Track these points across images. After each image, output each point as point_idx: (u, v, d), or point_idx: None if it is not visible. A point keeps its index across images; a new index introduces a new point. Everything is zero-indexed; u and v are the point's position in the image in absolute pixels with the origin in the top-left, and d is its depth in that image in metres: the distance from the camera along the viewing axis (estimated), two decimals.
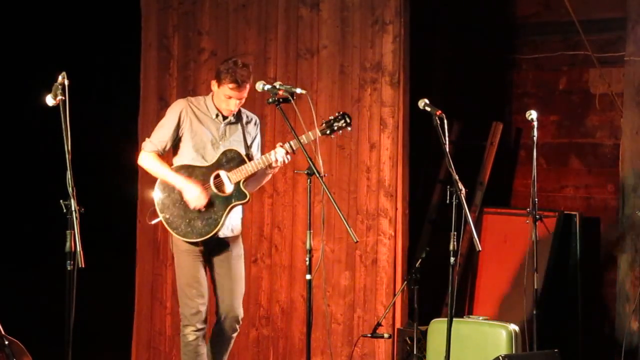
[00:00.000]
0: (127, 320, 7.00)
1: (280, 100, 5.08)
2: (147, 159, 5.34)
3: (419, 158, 6.83)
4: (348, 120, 5.26)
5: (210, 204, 5.22)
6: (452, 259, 4.96)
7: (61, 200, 4.13)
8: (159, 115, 6.91)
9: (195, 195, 5.19)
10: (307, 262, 4.87)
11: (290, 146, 5.19)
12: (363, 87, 6.34)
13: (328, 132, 5.24)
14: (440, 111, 4.99)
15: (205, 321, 5.34)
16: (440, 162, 7.06)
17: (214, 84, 5.30)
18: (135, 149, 7.01)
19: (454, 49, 7.36)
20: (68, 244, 4.11)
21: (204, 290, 5.32)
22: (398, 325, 6.27)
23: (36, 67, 6.06)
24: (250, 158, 5.31)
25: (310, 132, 5.19)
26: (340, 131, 5.27)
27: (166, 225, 5.26)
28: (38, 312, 6.49)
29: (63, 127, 4.15)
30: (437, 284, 6.08)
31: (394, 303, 6.20)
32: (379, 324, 5.85)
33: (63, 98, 4.18)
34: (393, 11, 6.24)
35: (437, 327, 5.67)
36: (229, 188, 5.24)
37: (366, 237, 6.32)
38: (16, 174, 6.76)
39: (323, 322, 6.14)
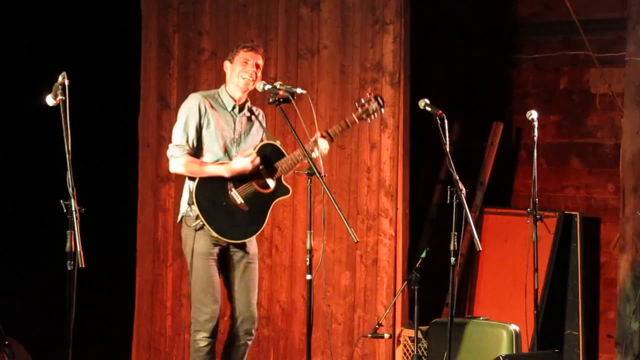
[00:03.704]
0: (127, 320, 6.99)
1: (281, 100, 5.07)
2: (183, 163, 5.11)
3: (419, 158, 6.83)
4: (381, 102, 5.23)
5: (253, 203, 5.13)
6: (452, 259, 4.96)
7: (61, 200, 4.13)
8: (159, 115, 6.93)
9: (246, 162, 5.07)
10: (308, 262, 4.86)
11: (329, 134, 5.19)
12: (363, 87, 6.33)
13: (364, 116, 5.23)
14: (440, 111, 4.99)
15: (217, 329, 5.19)
16: (440, 162, 7.05)
17: (227, 65, 5.24)
18: (135, 149, 7.05)
19: (454, 49, 7.35)
20: (68, 244, 4.10)
21: (219, 295, 5.18)
22: (398, 325, 6.27)
23: (36, 67, 6.05)
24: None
25: (346, 119, 5.20)
26: (376, 115, 5.27)
27: (209, 229, 5.07)
28: (38, 312, 6.49)
29: (63, 127, 4.14)
30: (437, 284, 6.08)
31: (395, 303, 6.19)
32: (379, 324, 5.85)
33: (63, 98, 4.18)
34: (393, 11, 6.24)
35: (437, 327, 5.67)
36: (271, 184, 5.17)
37: (366, 237, 6.32)
38: (16, 174, 6.75)
39: (323, 322, 6.14)
